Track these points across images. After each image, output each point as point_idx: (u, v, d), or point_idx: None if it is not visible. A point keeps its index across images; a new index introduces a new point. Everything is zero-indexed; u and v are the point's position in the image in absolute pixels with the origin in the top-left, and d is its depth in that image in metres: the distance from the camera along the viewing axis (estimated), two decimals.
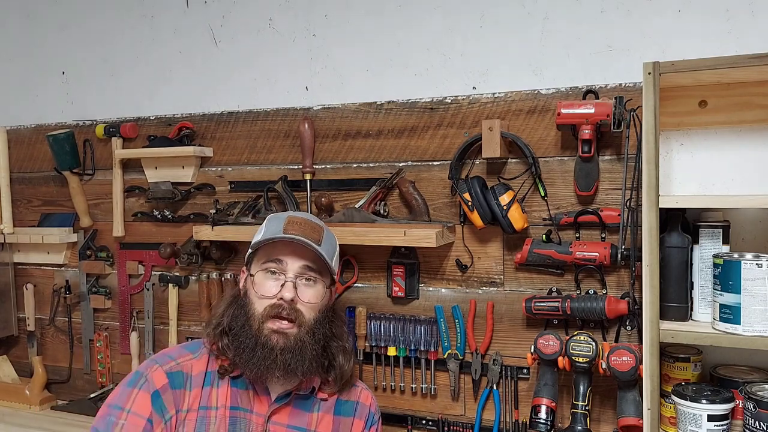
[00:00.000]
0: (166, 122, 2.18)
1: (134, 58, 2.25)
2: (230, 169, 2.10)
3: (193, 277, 2.17)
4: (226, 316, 1.42)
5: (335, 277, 1.45)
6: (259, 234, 1.44)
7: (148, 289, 2.22)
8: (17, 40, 2.45)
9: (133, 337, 2.24)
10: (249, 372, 1.35)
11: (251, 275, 1.40)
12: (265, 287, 1.37)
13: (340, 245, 1.89)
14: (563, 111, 1.58)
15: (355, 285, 1.94)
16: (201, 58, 2.14)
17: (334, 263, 1.46)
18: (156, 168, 2.18)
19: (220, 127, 2.11)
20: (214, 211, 1.98)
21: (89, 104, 2.32)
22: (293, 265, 1.37)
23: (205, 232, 1.95)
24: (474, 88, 1.79)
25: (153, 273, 2.22)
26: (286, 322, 1.35)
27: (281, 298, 1.34)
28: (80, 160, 2.30)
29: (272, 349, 1.32)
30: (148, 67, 2.23)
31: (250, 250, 1.44)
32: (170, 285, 2.17)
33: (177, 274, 2.18)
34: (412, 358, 1.86)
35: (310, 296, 1.38)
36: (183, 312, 2.18)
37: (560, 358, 1.58)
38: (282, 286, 1.35)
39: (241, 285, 1.47)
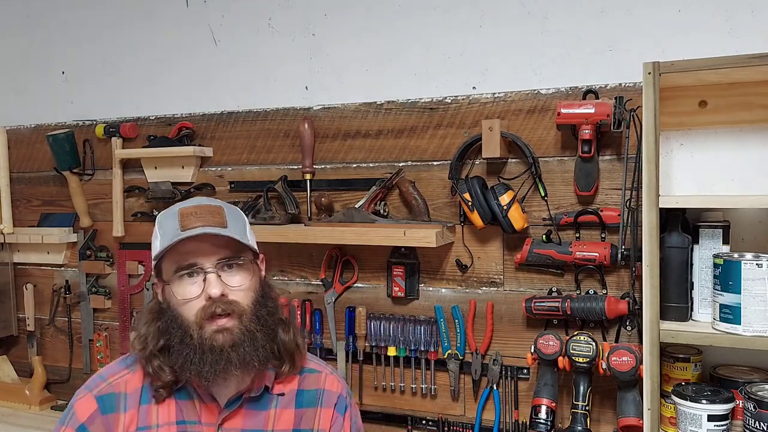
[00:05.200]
0: (166, 122, 2.18)
1: (134, 58, 2.24)
2: (230, 169, 2.10)
3: None
4: (150, 336, 1.27)
5: (255, 249, 1.30)
6: (156, 239, 1.26)
7: (148, 289, 2.22)
8: (17, 40, 2.44)
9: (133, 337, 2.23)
10: (203, 381, 1.22)
11: (167, 284, 1.24)
12: (187, 291, 1.21)
13: (339, 245, 1.90)
14: (563, 111, 1.58)
15: (355, 285, 1.94)
16: (201, 57, 2.13)
17: (249, 236, 1.30)
18: (156, 168, 2.17)
19: (220, 127, 2.10)
20: None
21: (89, 104, 2.32)
22: (207, 259, 1.21)
23: None
24: (474, 88, 1.79)
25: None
26: (224, 318, 1.21)
27: (210, 297, 1.20)
28: (80, 160, 2.30)
29: (221, 350, 1.20)
30: (148, 67, 2.22)
31: (154, 261, 1.27)
32: None
33: None
34: (412, 358, 1.86)
35: (239, 280, 1.23)
36: None
37: (560, 358, 1.58)
38: (204, 281, 1.20)
39: (160, 297, 1.29)
